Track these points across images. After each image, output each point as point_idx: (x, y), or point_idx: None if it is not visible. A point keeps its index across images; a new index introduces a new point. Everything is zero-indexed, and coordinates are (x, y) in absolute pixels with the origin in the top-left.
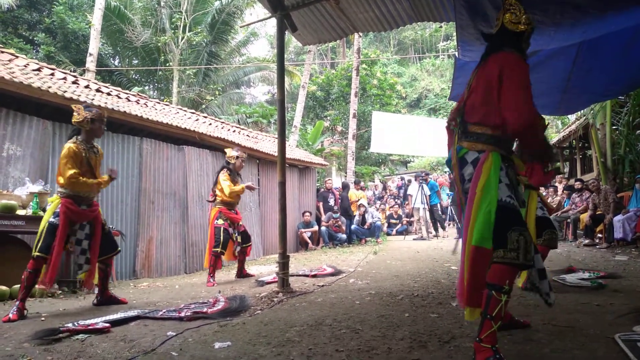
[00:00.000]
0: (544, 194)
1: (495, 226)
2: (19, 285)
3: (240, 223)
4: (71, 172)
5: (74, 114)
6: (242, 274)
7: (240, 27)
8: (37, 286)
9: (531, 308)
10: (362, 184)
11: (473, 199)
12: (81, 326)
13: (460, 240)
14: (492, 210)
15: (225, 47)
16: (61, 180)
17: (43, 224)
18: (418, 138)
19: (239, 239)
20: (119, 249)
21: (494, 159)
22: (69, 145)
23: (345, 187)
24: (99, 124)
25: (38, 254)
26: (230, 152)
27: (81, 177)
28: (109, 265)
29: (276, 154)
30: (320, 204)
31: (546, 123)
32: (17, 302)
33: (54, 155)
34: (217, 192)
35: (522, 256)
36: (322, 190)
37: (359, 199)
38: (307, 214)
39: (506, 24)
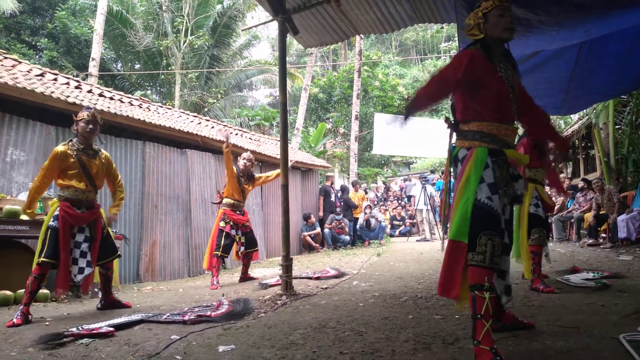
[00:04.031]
0: (548, 193)
1: (470, 226)
2: (23, 290)
3: (247, 224)
4: (37, 177)
5: None
6: (245, 277)
7: (242, 30)
8: (56, 293)
9: (535, 309)
10: (364, 185)
11: (455, 193)
12: (85, 330)
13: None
14: (469, 208)
15: (227, 51)
16: (60, 182)
17: (44, 228)
18: (420, 139)
19: (243, 240)
20: (119, 253)
21: (478, 156)
22: (57, 146)
23: (344, 190)
24: (84, 125)
25: (44, 259)
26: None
27: (33, 187)
28: (109, 269)
29: (279, 156)
30: (322, 199)
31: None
32: (21, 307)
33: None
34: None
35: (488, 259)
36: (324, 184)
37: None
38: (310, 217)
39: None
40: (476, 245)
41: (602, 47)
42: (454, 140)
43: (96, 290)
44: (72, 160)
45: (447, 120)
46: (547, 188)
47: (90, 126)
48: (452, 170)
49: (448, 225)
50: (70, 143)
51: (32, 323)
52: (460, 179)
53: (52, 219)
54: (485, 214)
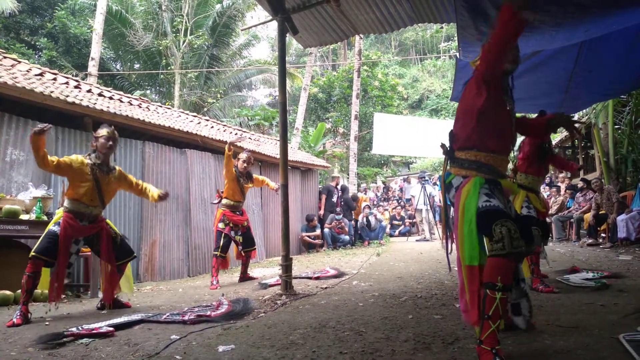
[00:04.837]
0: (547, 194)
1: (482, 228)
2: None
3: (245, 224)
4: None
5: None
6: (245, 277)
7: (242, 30)
8: (49, 302)
9: (535, 309)
10: (363, 185)
11: (457, 221)
12: (85, 330)
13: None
14: (474, 229)
15: (226, 50)
16: (69, 191)
17: (46, 229)
18: (420, 139)
19: (241, 240)
20: (135, 255)
21: (474, 182)
22: (77, 154)
23: (344, 189)
24: (104, 141)
25: (34, 254)
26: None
27: (47, 157)
28: (121, 271)
29: (278, 156)
30: (324, 198)
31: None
32: (20, 306)
33: None
34: (223, 192)
35: (508, 244)
36: (329, 184)
37: (362, 202)
38: (313, 219)
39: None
40: (493, 235)
41: (602, 46)
42: (448, 167)
43: (97, 289)
44: (88, 172)
45: (442, 146)
46: (545, 188)
47: (110, 143)
48: (446, 196)
49: (453, 246)
50: (88, 157)
51: (32, 323)
52: (458, 205)
53: (54, 224)
54: (488, 211)
